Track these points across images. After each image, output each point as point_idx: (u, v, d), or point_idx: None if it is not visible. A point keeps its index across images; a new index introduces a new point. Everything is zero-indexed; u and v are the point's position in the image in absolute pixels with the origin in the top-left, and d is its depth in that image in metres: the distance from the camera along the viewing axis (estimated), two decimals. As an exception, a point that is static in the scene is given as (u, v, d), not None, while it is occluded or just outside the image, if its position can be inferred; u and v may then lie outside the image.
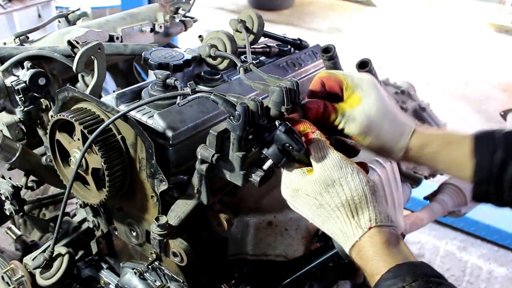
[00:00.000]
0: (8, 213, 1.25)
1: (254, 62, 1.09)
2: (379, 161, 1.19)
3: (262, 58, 1.34)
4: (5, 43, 1.33)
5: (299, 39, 1.41)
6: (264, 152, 0.80)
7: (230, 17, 1.25)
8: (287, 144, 0.77)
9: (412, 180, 1.88)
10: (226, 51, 1.18)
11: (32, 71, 1.16)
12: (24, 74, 1.16)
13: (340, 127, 0.89)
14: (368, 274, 0.73)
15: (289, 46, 1.40)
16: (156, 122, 0.94)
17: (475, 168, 0.83)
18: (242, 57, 1.23)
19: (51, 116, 1.02)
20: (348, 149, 0.87)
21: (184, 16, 1.67)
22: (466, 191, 1.95)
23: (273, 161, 0.80)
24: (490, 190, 0.84)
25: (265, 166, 0.83)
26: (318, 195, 0.77)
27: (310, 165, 0.80)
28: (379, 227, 0.73)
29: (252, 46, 1.24)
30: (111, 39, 1.43)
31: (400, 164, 1.84)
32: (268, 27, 1.27)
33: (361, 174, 0.77)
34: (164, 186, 0.91)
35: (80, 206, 1.24)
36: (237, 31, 1.24)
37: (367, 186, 0.76)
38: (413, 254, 0.74)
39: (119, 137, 0.93)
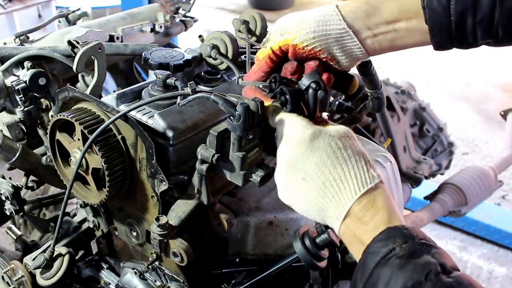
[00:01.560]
0: (8, 213, 1.25)
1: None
2: (379, 161, 1.19)
3: None
4: (5, 43, 1.33)
5: None
6: None
7: (231, 17, 1.25)
8: None
9: (412, 180, 1.88)
10: (227, 52, 1.18)
11: (32, 71, 1.16)
12: (24, 74, 1.16)
13: (265, 52, 0.86)
14: (359, 240, 0.70)
15: None
16: (157, 122, 0.94)
17: (430, 33, 0.76)
18: (242, 57, 1.23)
19: (51, 116, 1.02)
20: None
21: (184, 16, 1.67)
22: (466, 191, 1.95)
23: None
24: (453, 46, 0.77)
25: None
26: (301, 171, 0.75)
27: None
28: (358, 202, 0.70)
29: (254, 47, 1.24)
30: (111, 39, 1.43)
31: (400, 164, 1.85)
32: (269, 27, 1.26)
33: (315, 150, 0.73)
34: (164, 186, 0.91)
35: (80, 206, 1.24)
36: (239, 31, 1.24)
37: (324, 163, 0.72)
38: (401, 216, 0.72)
39: (119, 137, 0.93)
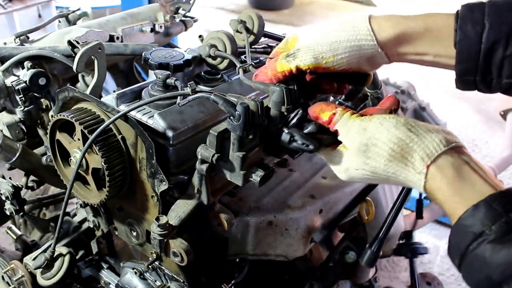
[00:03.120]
0: (8, 213, 1.25)
1: (253, 63, 1.09)
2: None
3: (262, 58, 1.34)
4: (5, 43, 1.33)
5: None
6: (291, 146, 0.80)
7: (230, 17, 1.25)
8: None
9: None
10: (226, 51, 1.18)
11: (32, 71, 1.16)
12: (25, 74, 1.16)
13: (290, 65, 0.84)
14: (448, 214, 0.68)
15: None
16: (157, 122, 0.94)
17: (456, 60, 0.75)
18: (242, 57, 1.23)
19: (52, 116, 1.02)
20: None
21: (184, 16, 1.67)
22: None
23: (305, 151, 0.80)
24: (476, 79, 0.75)
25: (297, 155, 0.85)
26: (364, 165, 0.74)
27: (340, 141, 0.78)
28: (436, 162, 0.67)
29: (253, 46, 1.24)
30: (111, 39, 1.43)
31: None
32: (268, 27, 1.26)
33: (386, 121, 0.72)
34: (164, 186, 0.91)
35: (81, 206, 1.24)
36: (237, 31, 1.24)
37: (398, 128, 0.70)
38: (489, 178, 0.68)
39: (119, 137, 0.93)
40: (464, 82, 0.77)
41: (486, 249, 0.60)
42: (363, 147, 0.73)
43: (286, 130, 0.80)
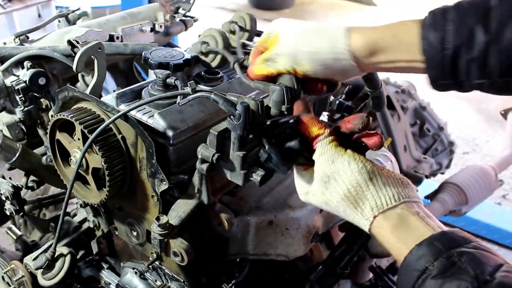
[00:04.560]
0: (8, 213, 1.25)
1: (245, 57, 1.09)
2: (379, 160, 1.19)
3: None
4: (5, 43, 1.33)
5: None
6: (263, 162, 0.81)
7: (231, 17, 1.25)
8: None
9: (412, 179, 1.88)
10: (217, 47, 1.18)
11: (32, 71, 1.16)
12: (24, 74, 1.16)
13: (269, 69, 0.86)
14: (395, 258, 0.72)
15: None
16: (157, 121, 0.94)
17: (426, 67, 0.76)
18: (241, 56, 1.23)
19: (51, 116, 1.02)
20: (359, 146, 0.83)
21: (185, 15, 1.67)
22: (467, 190, 1.95)
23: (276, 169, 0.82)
24: (448, 83, 0.76)
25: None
26: (321, 194, 0.78)
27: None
28: (383, 213, 0.71)
29: (248, 47, 1.24)
30: (111, 38, 1.43)
31: (400, 163, 1.85)
32: (265, 26, 1.27)
33: (353, 163, 0.75)
34: (164, 186, 0.91)
35: (81, 206, 1.24)
36: (230, 32, 1.24)
37: (361, 174, 0.74)
38: (432, 224, 0.71)
39: (119, 136, 0.93)
40: (438, 86, 0.78)
41: (430, 285, 0.62)
42: (325, 178, 0.76)
43: (266, 147, 0.80)
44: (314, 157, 0.79)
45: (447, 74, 0.74)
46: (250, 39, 1.25)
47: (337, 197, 0.75)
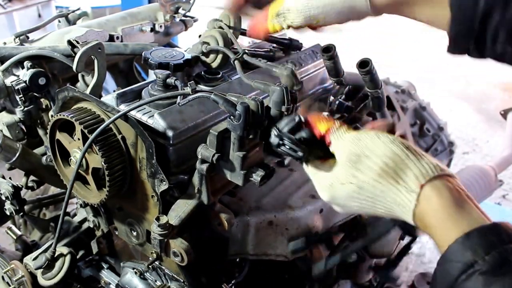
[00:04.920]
0: (8, 213, 1.25)
1: (246, 50, 1.08)
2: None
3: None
4: (5, 43, 1.33)
5: (289, 39, 1.35)
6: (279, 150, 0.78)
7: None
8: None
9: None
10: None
11: (32, 70, 1.16)
12: (24, 74, 1.16)
13: (282, 26, 0.82)
14: (437, 243, 0.63)
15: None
16: (157, 121, 0.94)
17: (450, 23, 0.70)
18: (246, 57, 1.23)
19: (51, 116, 1.02)
20: None
21: (185, 15, 1.67)
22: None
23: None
24: (468, 45, 0.71)
25: (287, 161, 0.83)
26: (352, 178, 0.69)
27: (333, 156, 0.74)
28: (431, 182, 0.63)
29: (254, 49, 1.24)
30: (111, 38, 1.43)
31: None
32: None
33: (383, 136, 0.68)
34: (164, 186, 0.91)
35: (81, 206, 1.24)
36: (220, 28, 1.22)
37: (395, 144, 0.67)
38: (482, 210, 0.62)
39: (119, 136, 0.93)
40: (457, 46, 0.73)
41: (478, 281, 0.55)
42: (354, 157, 0.69)
43: (275, 132, 0.78)
44: (332, 148, 0.74)
45: (471, 34, 0.69)
46: (236, 34, 1.24)
47: (372, 174, 0.67)
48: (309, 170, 0.78)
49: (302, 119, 0.80)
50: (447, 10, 0.69)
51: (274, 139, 0.78)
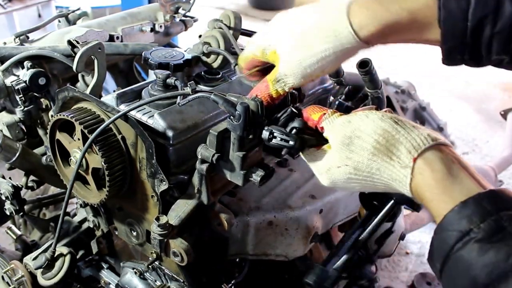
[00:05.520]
0: (8, 213, 1.25)
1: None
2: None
3: None
4: (5, 43, 1.33)
5: None
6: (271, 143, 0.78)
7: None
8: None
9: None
10: (219, 47, 1.18)
11: (32, 70, 1.16)
12: (24, 74, 1.16)
13: (285, 90, 0.81)
14: (434, 216, 0.63)
15: None
16: (157, 121, 0.94)
17: (442, 39, 0.69)
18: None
19: (51, 116, 1.02)
20: None
21: (185, 15, 1.67)
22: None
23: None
24: (464, 57, 0.70)
25: (284, 153, 0.82)
26: (346, 160, 0.69)
27: (327, 142, 0.75)
28: (423, 155, 0.63)
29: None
30: (111, 38, 1.43)
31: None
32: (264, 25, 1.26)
33: (371, 114, 0.68)
34: (164, 186, 0.91)
35: (80, 205, 1.24)
36: (214, 28, 1.23)
37: (384, 120, 0.67)
38: (478, 177, 0.62)
39: (119, 137, 0.93)
40: (451, 59, 0.72)
41: (473, 249, 0.55)
42: (346, 140, 0.69)
43: (265, 127, 0.78)
44: (325, 133, 0.75)
45: (465, 48, 0.68)
46: (236, 35, 1.24)
47: (366, 154, 0.67)
48: (305, 157, 0.78)
49: (294, 110, 0.81)
50: (438, 30, 0.69)
51: (264, 133, 0.78)
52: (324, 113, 0.77)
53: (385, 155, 0.66)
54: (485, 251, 0.54)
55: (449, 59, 0.72)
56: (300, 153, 0.80)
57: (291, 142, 0.76)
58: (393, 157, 0.65)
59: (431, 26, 0.69)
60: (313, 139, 0.78)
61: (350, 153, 0.69)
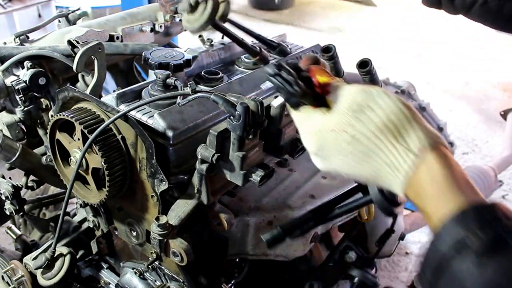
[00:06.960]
0: (8, 213, 1.25)
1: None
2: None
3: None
4: (5, 43, 1.33)
5: (277, 43, 1.31)
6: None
7: (230, 17, 1.24)
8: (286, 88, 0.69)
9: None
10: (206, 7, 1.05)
11: (32, 70, 1.16)
12: (24, 74, 1.16)
13: None
14: (428, 215, 0.59)
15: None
16: (157, 122, 0.94)
17: None
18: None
19: (51, 115, 1.02)
20: None
21: (184, 15, 1.67)
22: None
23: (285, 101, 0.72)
24: None
25: (275, 102, 0.77)
26: (347, 125, 0.64)
27: (324, 106, 0.69)
28: (436, 150, 0.59)
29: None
30: (111, 38, 1.43)
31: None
32: (269, 27, 1.26)
33: (393, 96, 0.64)
34: (164, 186, 0.91)
35: (80, 205, 1.24)
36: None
37: (403, 103, 0.63)
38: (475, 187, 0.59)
39: (119, 137, 0.93)
40: (429, 1, 0.72)
41: (470, 259, 0.52)
42: (356, 107, 0.64)
43: (275, 62, 0.73)
44: (331, 96, 0.68)
45: None
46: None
47: (371, 127, 0.62)
48: (297, 115, 0.72)
49: (302, 66, 0.75)
50: None
51: (271, 67, 0.69)
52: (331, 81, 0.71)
53: (392, 135, 0.61)
54: (483, 264, 0.52)
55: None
56: (290, 109, 0.73)
57: (296, 87, 0.68)
58: (400, 139, 0.61)
59: None
60: (311, 98, 0.71)
61: (355, 120, 0.64)
